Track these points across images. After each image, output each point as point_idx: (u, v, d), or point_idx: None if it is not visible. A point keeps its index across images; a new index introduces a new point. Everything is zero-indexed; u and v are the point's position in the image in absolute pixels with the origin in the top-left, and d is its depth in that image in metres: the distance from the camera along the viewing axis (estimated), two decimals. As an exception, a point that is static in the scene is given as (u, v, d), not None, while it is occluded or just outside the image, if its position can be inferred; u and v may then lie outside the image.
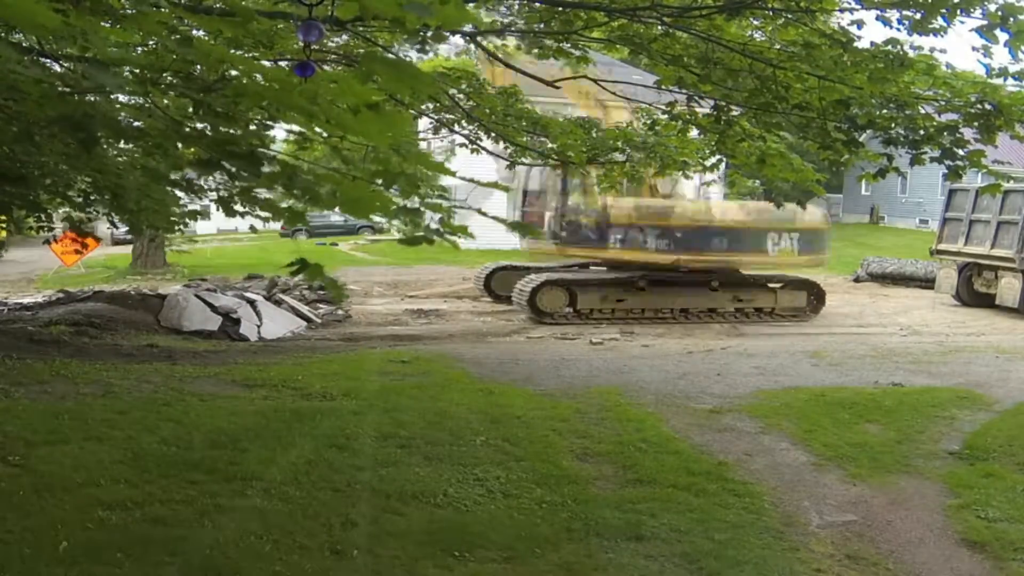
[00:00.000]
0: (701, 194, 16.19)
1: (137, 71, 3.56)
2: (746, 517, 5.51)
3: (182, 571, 4.41)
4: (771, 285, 15.49)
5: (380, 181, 2.63)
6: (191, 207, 7.52)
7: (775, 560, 4.93)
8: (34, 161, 4.96)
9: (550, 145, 9.55)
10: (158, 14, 2.66)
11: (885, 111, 6.50)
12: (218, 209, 6.56)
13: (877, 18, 5.53)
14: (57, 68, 4.02)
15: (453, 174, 3.15)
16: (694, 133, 9.21)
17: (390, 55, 7.22)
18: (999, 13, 5.07)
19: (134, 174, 4.96)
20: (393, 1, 1.92)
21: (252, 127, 3.74)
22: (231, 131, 3.08)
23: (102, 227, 13.30)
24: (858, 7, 5.91)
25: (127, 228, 6.90)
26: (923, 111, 6.45)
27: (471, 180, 3.51)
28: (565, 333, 13.28)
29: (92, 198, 7.50)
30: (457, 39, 10.97)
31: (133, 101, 4.03)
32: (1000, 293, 16.20)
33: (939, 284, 17.76)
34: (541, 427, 7.38)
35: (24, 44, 3.83)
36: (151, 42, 4.18)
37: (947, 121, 6.40)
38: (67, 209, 8.42)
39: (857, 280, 21.45)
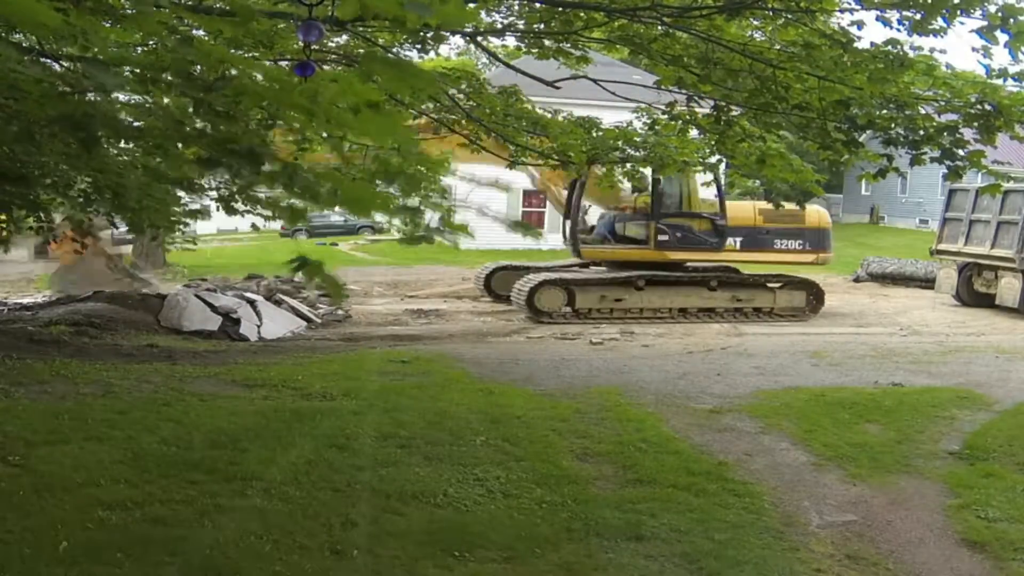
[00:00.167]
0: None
1: (137, 71, 3.56)
2: (746, 517, 5.52)
3: (182, 571, 4.41)
4: (770, 285, 15.51)
5: (380, 180, 2.63)
6: (192, 207, 7.52)
7: (775, 560, 4.93)
8: (34, 161, 4.96)
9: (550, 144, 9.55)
10: (158, 14, 2.66)
11: (885, 111, 6.50)
12: (219, 208, 6.56)
13: (877, 18, 5.52)
14: (57, 68, 4.01)
15: (452, 173, 3.15)
16: (694, 133, 9.21)
17: (390, 55, 7.24)
18: (999, 14, 5.07)
19: (135, 173, 4.96)
20: (393, 1, 1.92)
21: (252, 126, 3.75)
22: (231, 130, 3.08)
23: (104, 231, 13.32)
24: (858, 7, 5.90)
25: (127, 227, 6.88)
26: (923, 111, 6.46)
27: (471, 180, 3.51)
28: (565, 333, 13.28)
29: (93, 197, 7.49)
30: (457, 39, 10.98)
31: (133, 101, 4.03)
32: (1000, 293, 16.20)
33: (939, 284, 17.76)
34: (541, 427, 7.38)
35: (24, 44, 3.82)
36: (151, 42, 4.18)
37: (947, 121, 6.39)
38: (66, 209, 8.41)
39: (857, 280, 21.44)
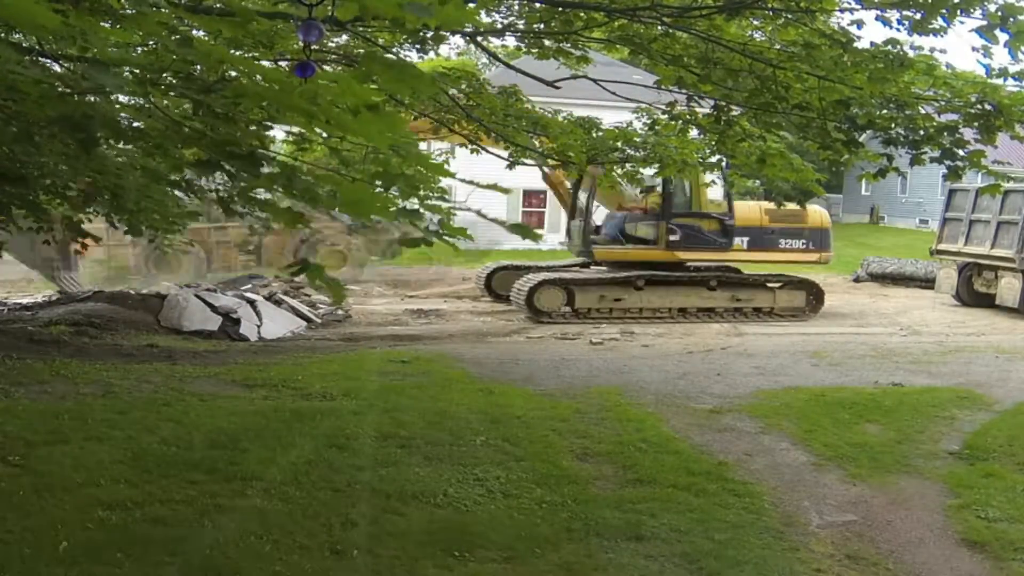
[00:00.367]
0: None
1: (137, 71, 3.56)
2: (746, 517, 5.52)
3: (182, 571, 4.41)
4: (770, 284, 15.51)
5: (380, 182, 2.63)
6: (191, 208, 7.50)
7: (775, 560, 4.93)
8: (34, 161, 4.95)
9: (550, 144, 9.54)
10: (158, 14, 2.66)
11: (885, 111, 6.50)
12: (218, 210, 6.54)
13: (877, 18, 5.52)
14: (57, 68, 4.01)
15: (452, 175, 3.15)
16: (694, 133, 9.20)
17: (390, 55, 7.23)
18: (999, 14, 5.07)
19: (134, 174, 4.95)
20: (393, 2, 1.91)
21: (252, 128, 3.74)
22: (230, 132, 3.08)
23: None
24: (858, 7, 5.90)
25: (126, 229, 6.88)
26: (923, 111, 6.45)
27: (471, 182, 3.51)
28: (565, 333, 13.28)
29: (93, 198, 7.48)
30: (457, 39, 10.97)
31: (133, 101, 4.03)
32: (1000, 293, 16.19)
33: (939, 284, 17.75)
34: (541, 427, 7.38)
35: (24, 44, 3.82)
36: (151, 42, 4.18)
37: (947, 121, 6.39)
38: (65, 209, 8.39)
39: (857, 280, 21.43)
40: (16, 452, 6.03)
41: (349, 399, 8.11)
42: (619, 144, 9.53)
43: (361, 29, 6.18)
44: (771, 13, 6.13)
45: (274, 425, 7.04)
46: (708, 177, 14.17)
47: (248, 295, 13.85)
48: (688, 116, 8.32)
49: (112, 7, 3.23)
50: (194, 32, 3.59)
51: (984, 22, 5.13)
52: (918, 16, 5.36)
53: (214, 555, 4.58)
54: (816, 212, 15.64)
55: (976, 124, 6.12)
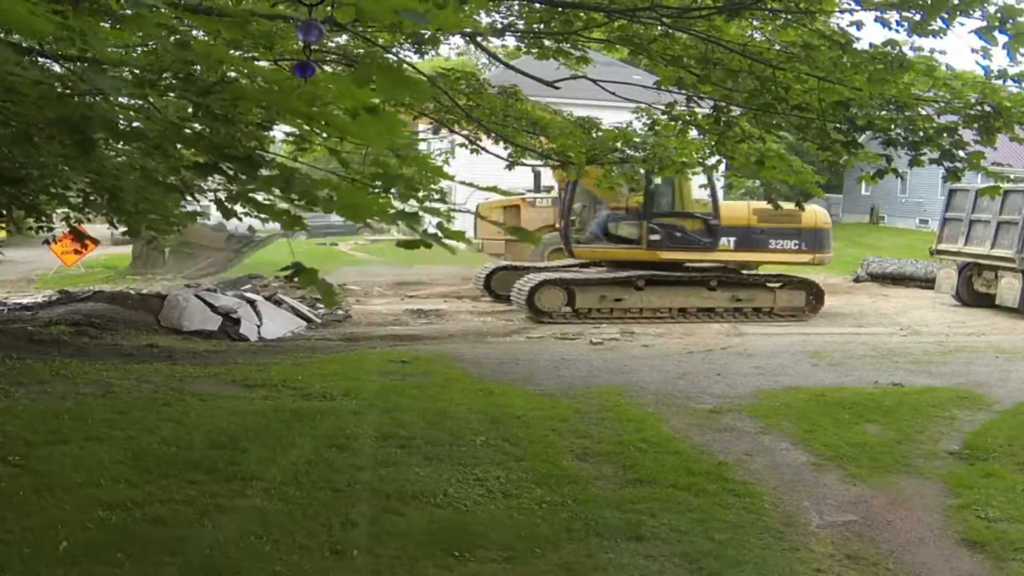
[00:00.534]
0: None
1: (136, 72, 3.56)
2: (746, 517, 5.52)
3: (182, 571, 4.41)
4: (770, 284, 15.50)
5: (379, 184, 2.63)
6: (190, 208, 7.50)
7: (775, 560, 4.94)
8: (32, 162, 4.96)
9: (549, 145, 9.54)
10: (157, 15, 2.65)
11: (884, 112, 6.50)
12: (217, 210, 6.54)
13: (876, 19, 5.53)
14: (56, 69, 4.01)
15: (451, 178, 3.15)
16: (694, 134, 9.20)
17: (390, 56, 7.24)
18: (998, 15, 5.08)
19: (132, 175, 4.95)
20: (389, 7, 1.92)
21: (249, 128, 3.74)
22: (229, 133, 3.08)
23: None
24: (857, 8, 5.91)
25: (124, 229, 6.91)
26: (923, 112, 6.45)
27: (471, 184, 3.51)
28: (565, 333, 13.28)
29: (92, 199, 7.49)
30: (457, 39, 10.97)
31: (132, 103, 4.03)
32: (1000, 293, 16.18)
33: (939, 284, 17.74)
34: (541, 427, 7.38)
35: (23, 45, 3.82)
36: (151, 43, 4.18)
37: (947, 122, 6.39)
38: (65, 210, 8.40)
39: (857, 280, 21.42)
40: (16, 452, 6.04)
41: (349, 399, 8.12)
42: (619, 145, 9.52)
43: (360, 29, 6.18)
44: (770, 14, 6.13)
45: (274, 425, 7.05)
46: (699, 179, 14.14)
47: (248, 295, 13.85)
48: (688, 117, 8.32)
49: (111, 8, 3.22)
50: (193, 32, 3.59)
51: (983, 23, 5.14)
52: (917, 17, 5.36)
53: (214, 555, 4.59)
54: (813, 212, 15.55)
55: (976, 125, 6.12)
